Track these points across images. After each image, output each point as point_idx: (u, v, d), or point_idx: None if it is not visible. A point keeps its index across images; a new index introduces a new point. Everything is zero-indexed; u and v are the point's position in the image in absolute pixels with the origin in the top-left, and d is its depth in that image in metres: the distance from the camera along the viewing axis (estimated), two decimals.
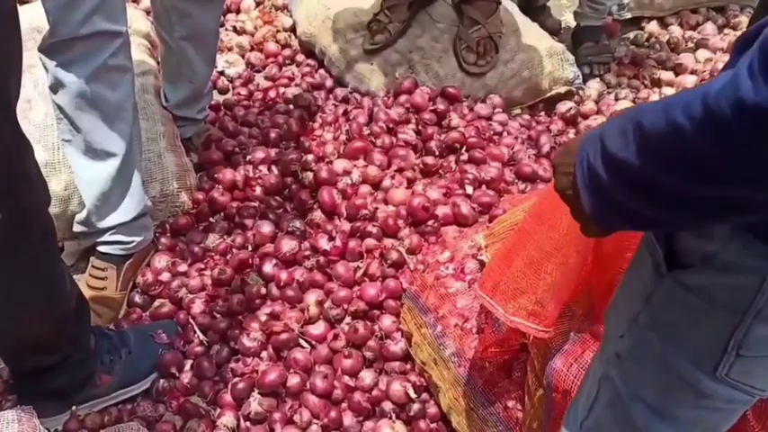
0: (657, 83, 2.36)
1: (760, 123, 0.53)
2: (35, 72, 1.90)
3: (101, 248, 1.75)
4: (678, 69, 2.38)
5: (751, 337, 0.74)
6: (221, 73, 2.42)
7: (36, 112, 1.84)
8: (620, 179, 0.68)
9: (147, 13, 2.50)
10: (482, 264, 1.54)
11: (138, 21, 2.31)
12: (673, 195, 0.63)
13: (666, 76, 2.37)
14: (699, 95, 0.58)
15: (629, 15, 2.60)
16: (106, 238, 1.73)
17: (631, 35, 2.60)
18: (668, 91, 2.30)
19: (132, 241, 1.75)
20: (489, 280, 1.26)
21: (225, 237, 1.82)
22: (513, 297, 1.22)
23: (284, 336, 1.59)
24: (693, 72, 2.36)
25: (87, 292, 1.67)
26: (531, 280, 1.20)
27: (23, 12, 2.06)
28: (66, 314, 1.40)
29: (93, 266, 1.76)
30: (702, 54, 2.41)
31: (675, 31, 2.56)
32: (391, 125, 1.96)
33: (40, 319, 1.35)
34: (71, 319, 1.42)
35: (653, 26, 2.61)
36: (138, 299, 1.78)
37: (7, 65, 1.12)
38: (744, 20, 2.58)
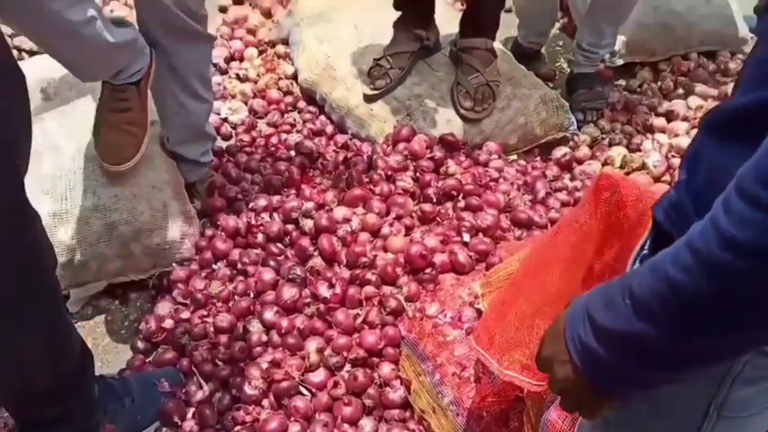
0: (650, 129, 2.42)
1: (754, 256, 0.54)
2: (43, 124, 1.96)
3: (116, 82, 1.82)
4: (670, 116, 2.44)
5: (731, 399, 0.76)
6: (225, 120, 2.47)
7: (45, 163, 1.89)
8: (620, 351, 0.67)
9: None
10: (479, 312, 1.58)
11: None
12: (685, 350, 0.63)
13: (659, 122, 2.42)
14: (682, 246, 0.59)
15: (621, 62, 2.66)
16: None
17: (624, 82, 2.66)
18: (661, 137, 2.36)
19: (141, 67, 1.82)
20: (484, 333, 1.30)
21: (227, 284, 1.85)
22: (507, 350, 1.25)
23: (285, 383, 1.61)
24: (685, 119, 2.41)
25: (114, 118, 1.82)
26: (523, 334, 1.23)
27: (29, 65, 2.14)
28: (71, 367, 1.42)
29: (114, 92, 1.83)
30: (694, 101, 2.47)
31: (667, 77, 2.62)
32: (390, 173, 2.01)
33: (46, 372, 1.38)
34: (76, 371, 1.45)
35: (645, 73, 2.67)
36: (140, 345, 1.81)
37: (12, 132, 1.16)
38: (733, 66, 2.65)
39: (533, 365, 1.21)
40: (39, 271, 1.27)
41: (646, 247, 0.83)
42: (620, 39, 2.60)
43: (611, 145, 2.36)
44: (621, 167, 2.26)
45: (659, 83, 2.60)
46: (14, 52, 2.14)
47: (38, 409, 1.44)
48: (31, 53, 2.52)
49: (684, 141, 2.26)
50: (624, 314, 0.65)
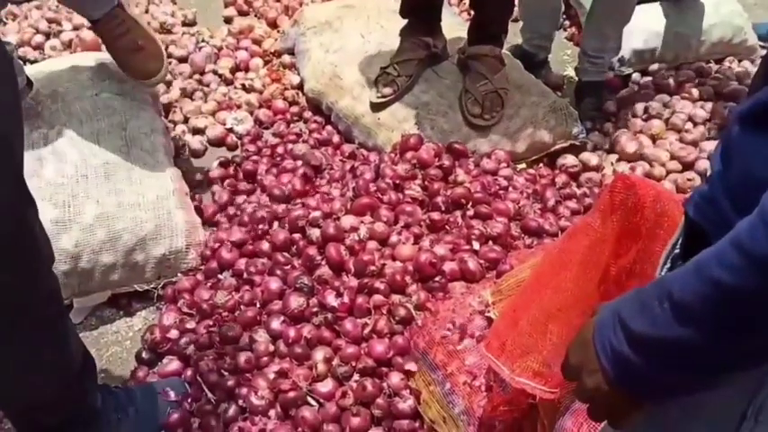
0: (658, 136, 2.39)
1: None
2: (46, 131, 1.95)
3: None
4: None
5: None
6: (230, 130, 2.46)
7: (47, 169, 1.88)
8: (657, 357, 0.64)
9: None
10: (489, 321, 1.55)
11: None
12: (729, 354, 0.61)
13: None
14: (728, 245, 0.57)
15: (630, 71, 2.65)
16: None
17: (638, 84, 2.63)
18: (668, 144, 2.33)
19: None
20: (495, 340, 1.26)
21: (233, 293, 1.83)
22: (518, 357, 1.21)
23: (292, 394, 1.58)
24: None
25: (122, 43, 2.04)
26: (535, 340, 1.20)
27: (32, 71, 2.14)
28: (71, 374, 1.40)
29: (107, 24, 2.02)
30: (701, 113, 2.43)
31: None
32: (398, 181, 1.98)
33: (46, 378, 1.35)
34: (77, 378, 1.42)
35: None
36: (145, 356, 1.78)
37: (10, 126, 1.14)
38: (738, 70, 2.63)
39: (546, 372, 1.19)
40: (37, 266, 1.24)
41: (678, 247, 0.80)
42: (629, 47, 2.59)
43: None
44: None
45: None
46: (19, 61, 2.14)
47: (38, 417, 1.41)
48: (33, 62, 2.52)
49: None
50: (662, 319, 0.62)
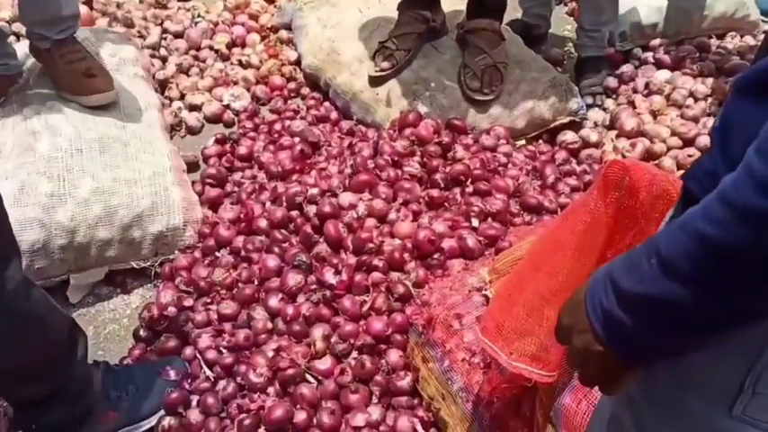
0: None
1: None
2: (41, 105, 1.94)
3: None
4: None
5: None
6: (227, 106, 2.44)
7: (42, 143, 1.87)
8: (646, 315, 0.64)
9: (154, 49, 2.54)
10: (487, 299, 1.54)
11: (138, 55, 2.34)
12: (717, 310, 0.60)
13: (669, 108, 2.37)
14: (713, 199, 0.57)
15: (631, 46, 2.62)
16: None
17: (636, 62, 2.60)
18: (668, 120, 2.31)
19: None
20: (491, 324, 1.25)
21: (231, 271, 1.82)
22: (515, 341, 1.21)
23: (291, 371, 1.58)
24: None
25: (77, 67, 1.99)
26: (532, 324, 1.19)
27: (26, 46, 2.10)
28: (50, 344, 1.39)
29: (63, 49, 2.01)
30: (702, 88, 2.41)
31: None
32: (396, 158, 1.97)
33: (15, 348, 1.33)
34: (58, 349, 1.41)
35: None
36: (142, 333, 1.77)
37: None
38: (740, 45, 2.60)
39: (543, 355, 1.18)
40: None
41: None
42: (630, 22, 2.56)
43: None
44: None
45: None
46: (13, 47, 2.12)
47: (20, 388, 1.41)
48: None
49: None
50: (650, 276, 0.62)
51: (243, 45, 2.68)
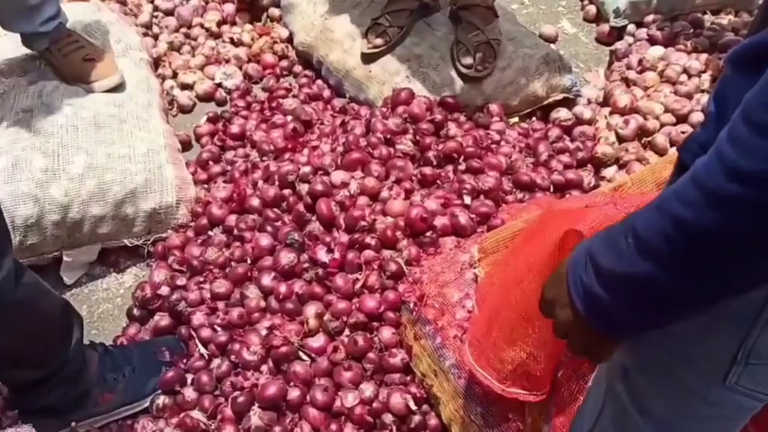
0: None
1: (761, 185, 0.52)
2: (39, 84, 1.93)
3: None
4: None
5: (760, 345, 0.73)
6: (219, 85, 2.42)
7: (37, 119, 1.87)
8: (623, 292, 0.65)
9: (146, 27, 2.52)
10: (477, 277, 1.54)
11: (135, 36, 2.32)
12: (690, 289, 0.61)
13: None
14: (686, 181, 0.57)
15: (625, 22, 2.60)
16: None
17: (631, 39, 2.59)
18: (662, 97, 2.30)
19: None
20: (479, 351, 1.28)
21: (224, 250, 1.82)
22: (504, 368, 1.24)
23: (284, 349, 1.59)
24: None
25: (79, 55, 1.99)
26: (516, 351, 1.22)
27: None
28: (44, 329, 1.39)
29: (61, 42, 2.00)
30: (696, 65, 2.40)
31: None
32: (389, 136, 1.96)
33: (9, 334, 1.33)
34: (53, 333, 1.42)
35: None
36: (136, 313, 1.78)
37: None
38: (735, 21, 2.59)
39: (533, 365, 1.19)
40: None
41: None
42: None
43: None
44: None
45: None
46: None
47: (13, 371, 1.41)
48: None
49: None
50: (627, 254, 0.63)
51: (234, 23, 2.65)
